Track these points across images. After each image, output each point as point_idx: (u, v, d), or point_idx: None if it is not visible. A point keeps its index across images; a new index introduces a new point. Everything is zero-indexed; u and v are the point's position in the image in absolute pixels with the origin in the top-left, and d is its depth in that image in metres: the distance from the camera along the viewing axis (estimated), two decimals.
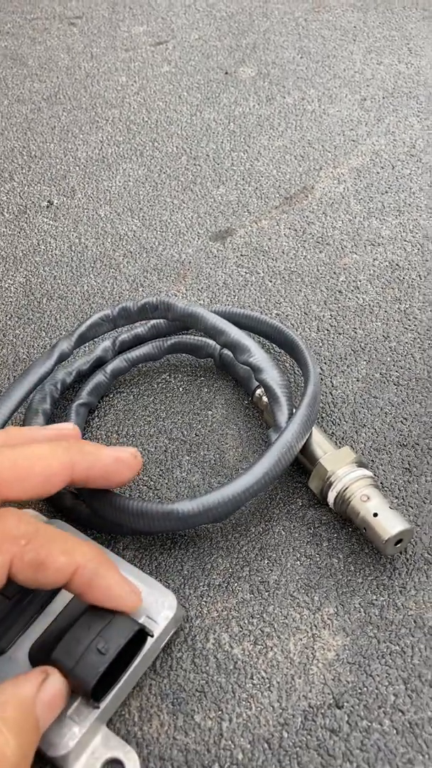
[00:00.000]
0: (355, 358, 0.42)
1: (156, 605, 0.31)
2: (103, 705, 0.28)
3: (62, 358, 0.39)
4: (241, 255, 0.49)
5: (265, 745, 0.29)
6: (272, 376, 0.37)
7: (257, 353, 0.38)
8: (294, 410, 0.37)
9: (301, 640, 0.32)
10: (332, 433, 0.39)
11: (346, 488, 0.33)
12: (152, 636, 0.30)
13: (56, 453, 0.30)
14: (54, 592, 0.32)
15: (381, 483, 0.37)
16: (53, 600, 0.31)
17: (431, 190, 0.52)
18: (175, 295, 0.47)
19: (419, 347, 0.42)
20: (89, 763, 0.28)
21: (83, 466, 0.30)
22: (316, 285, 0.47)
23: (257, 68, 0.66)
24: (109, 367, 0.41)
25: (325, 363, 0.42)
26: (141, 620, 0.30)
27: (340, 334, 0.44)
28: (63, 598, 0.31)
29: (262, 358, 0.38)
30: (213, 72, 0.67)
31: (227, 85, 0.65)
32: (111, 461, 0.31)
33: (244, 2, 0.76)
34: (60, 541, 0.28)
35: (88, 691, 0.27)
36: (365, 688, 0.30)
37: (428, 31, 0.69)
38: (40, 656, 0.29)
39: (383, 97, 0.61)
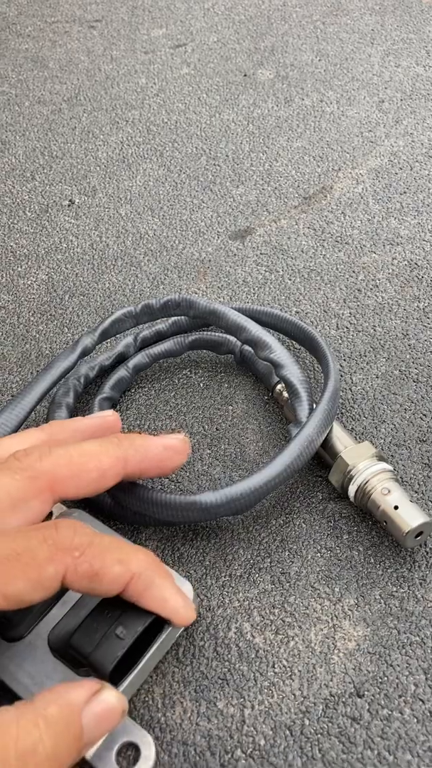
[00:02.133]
0: (375, 356, 0.43)
1: None
2: (120, 689, 0.29)
3: (85, 353, 0.40)
4: (261, 254, 0.50)
5: (287, 732, 0.29)
6: (293, 372, 0.38)
7: (278, 350, 0.38)
8: (314, 405, 0.37)
9: (322, 630, 0.32)
10: (352, 428, 0.39)
11: (367, 482, 0.34)
12: (169, 624, 0.30)
13: (108, 449, 0.30)
14: None
15: (401, 478, 0.37)
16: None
17: None
18: (195, 293, 0.48)
19: None
20: (106, 746, 0.29)
21: (136, 459, 0.31)
22: (335, 283, 0.47)
23: (276, 70, 0.67)
24: (131, 363, 0.42)
25: (345, 360, 0.43)
26: None
27: (359, 331, 0.44)
28: None
29: (283, 354, 0.38)
30: (232, 74, 0.68)
31: (246, 87, 0.66)
32: (161, 450, 0.32)
33: (262, 5, 0.77)
34: (115, 551, 0.28)
35: (105, 675, 0.28)
36: (386, 678, 0.30)
37: None
38: (59, 642, 0.30)
39: (401, 99, 0.62)
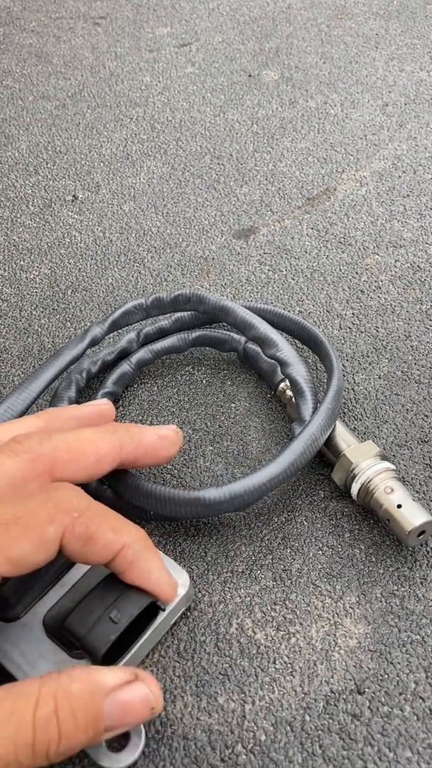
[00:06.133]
0: (377, 356, 0.43)
1: None
2: None
3: (94, 343, 0.40)
4: (264, 253, 0.50)
5: (288, 728, 0.29)
6: (298, 370, 0.38)
7: (285, 348, 0.38)
8: (318, 404, 0.37)
9: (323, 627, 0.32)
10: (354, 428, 0.39)
11: (370, 480, 0.34)
12: (164, 610, 0.31)
13: (105, 435, 0.31)
14: (70, 564, 0.32)
15: (402, 478, 0.37)
16: (69, 571, 0.32)
17: None
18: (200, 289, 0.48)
19: None
20: None
21: (131, 447, 0.32)
22: (338, 284, 0.47)
23: (280, 72, 0.67)
24: (134, 358, 0.42)
25: (347, 360, 0.43)
26: None
27: (362, 332, 0.44)
28: (79, 570, 0.32)
29: (290, 353, 0.38)
30: (236, 74, 0.68)
31: (250, 88, 0.66)
32: (155, 438, 0.32)
33: (267, 7, 0.77)
34: (110, 519, 0.28)
35: (98, 658, 0.28)
36: (386, 675, 0.31)
37: None
38: (54, 624, 0.30)
39: (405, 104, 0.62)
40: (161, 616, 0.31)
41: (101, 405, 0.34)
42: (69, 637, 0.29)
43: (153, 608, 0.30)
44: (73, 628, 0.29)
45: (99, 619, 0.28)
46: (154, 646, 0.32)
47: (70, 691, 0.25)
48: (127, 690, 0.26)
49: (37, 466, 0.29)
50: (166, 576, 0.29)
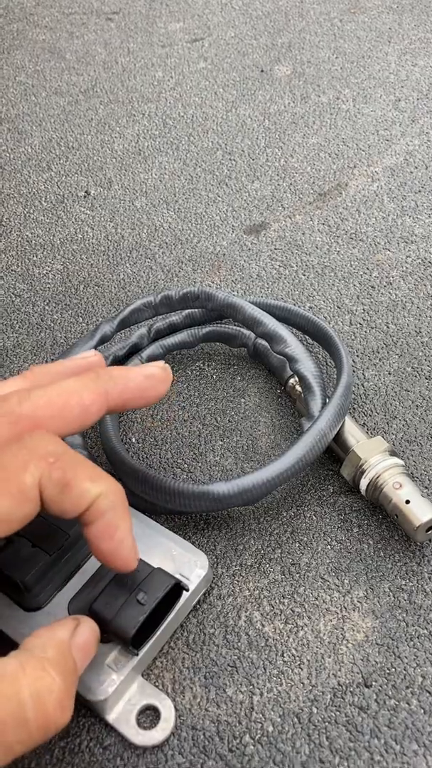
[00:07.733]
0: (387, 352, 0.43)
1: (189, 564, 0.32)
2: (141, 653, 0.30)
3: (104, 340, 0.40)
4: (275, 249, 0.50)
5: (295, 719, 0.30)
6: (307, 366, 0.38)
7: (293, 344, 0.39)
8: (327, 400, 0.37)
9: (331, 621, 0.32)
10: (364, 424, 0.40)
11: (379, 476, 0.34)
12: (187, 590, 0.31)
13: (88, 384, 0.29)
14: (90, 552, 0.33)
15: (412, 474, 0.37)
16: (89, 559, 0.33)
17: None
18: (210, 286, 0.48)
19: None
20: (126, 709, 0.30)
21: (117, 391, 0.30)
22: (349, 280, 0.47)
23: (293, 67, 0.67)
24: (145, 353, 0.42)
25: (358, 356, 0.43)
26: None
27: (372, 328, 0.44)
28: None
29: (298, 349, 0.38)
30: (248, 69, 0.68)
31: (262, 83, 0.66)
32: (142, 379, 0.30)
33: (279, 2, 0.77)
34: (88, 468, 0.27)
35: (128, 639, 0.29)
36: (393, 669, 0.31)
37: None
38: (80, 610, 0.31)
39: (417, 99, 0.62)
40: (184, 597, 0.31)
41: (89, 357, 0.32)
42: (96, 621, 0.29)
43: (176, 590, 0.31)
44: (100, 612, 0.29)
45: (126, 602, 0.29)
46: (176, 627, 0.32)
47: (52, 658, 0.25)
48: (79, 633, 0.27)
49: (17, 429, 0.27)
50: (131, 539, 0.28)
